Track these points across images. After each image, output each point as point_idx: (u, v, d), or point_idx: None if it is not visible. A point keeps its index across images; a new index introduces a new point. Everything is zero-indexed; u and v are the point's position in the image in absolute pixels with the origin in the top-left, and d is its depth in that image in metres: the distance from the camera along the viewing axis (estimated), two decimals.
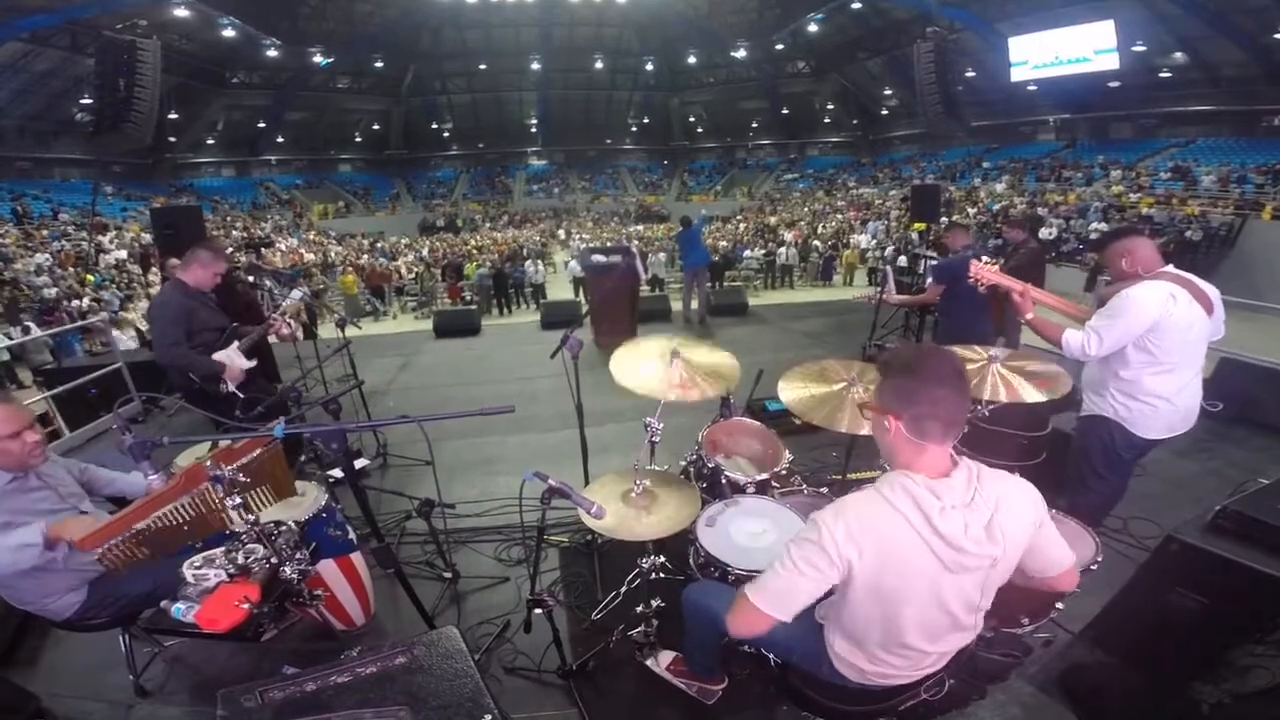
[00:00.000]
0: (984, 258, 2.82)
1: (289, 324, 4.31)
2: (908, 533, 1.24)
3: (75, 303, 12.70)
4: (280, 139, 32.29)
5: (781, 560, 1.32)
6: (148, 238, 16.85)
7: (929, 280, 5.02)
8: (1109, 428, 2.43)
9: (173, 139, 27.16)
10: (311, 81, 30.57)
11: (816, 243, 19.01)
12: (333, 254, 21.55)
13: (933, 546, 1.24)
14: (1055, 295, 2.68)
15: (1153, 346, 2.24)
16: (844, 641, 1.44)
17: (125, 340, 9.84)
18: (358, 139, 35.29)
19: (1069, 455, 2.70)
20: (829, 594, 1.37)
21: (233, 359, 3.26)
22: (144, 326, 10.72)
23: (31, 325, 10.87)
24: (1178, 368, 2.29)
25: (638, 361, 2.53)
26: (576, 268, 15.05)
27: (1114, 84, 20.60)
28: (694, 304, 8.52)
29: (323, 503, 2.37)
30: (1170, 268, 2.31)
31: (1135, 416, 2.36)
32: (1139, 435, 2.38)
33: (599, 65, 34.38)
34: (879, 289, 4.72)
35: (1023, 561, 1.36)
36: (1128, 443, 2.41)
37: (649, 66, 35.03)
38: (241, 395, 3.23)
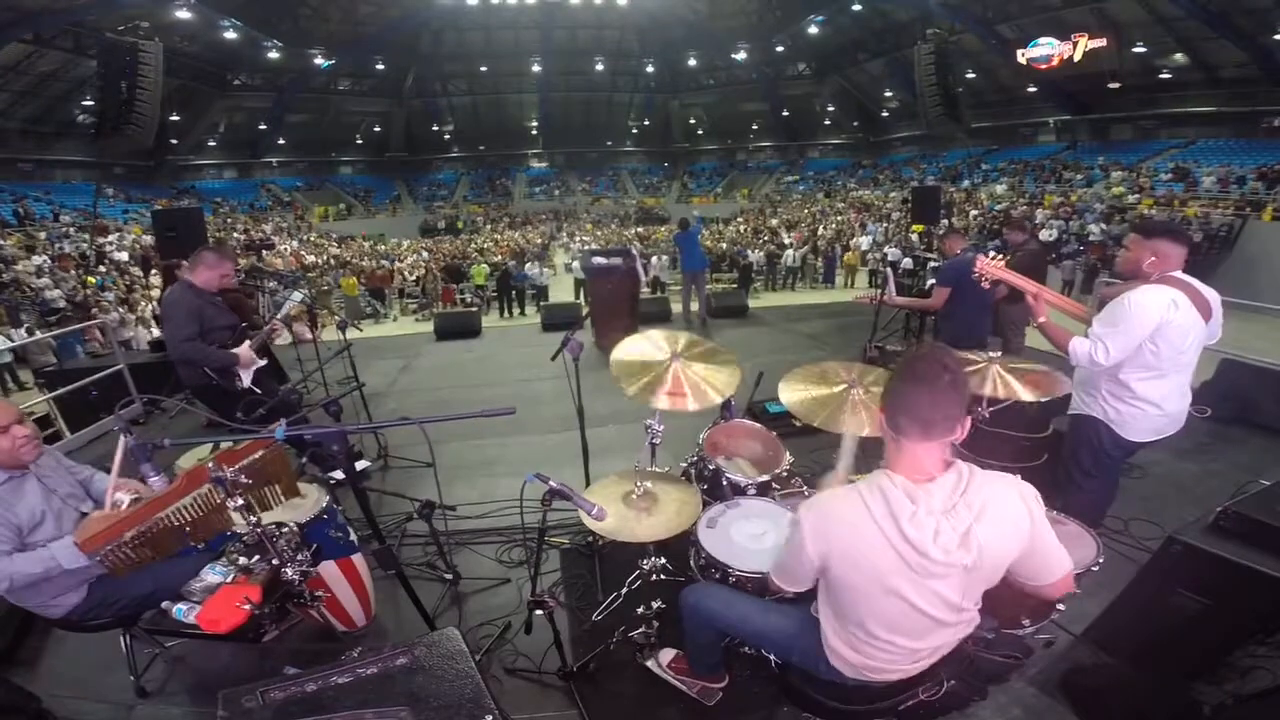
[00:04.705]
0: (991, 252, 2.82)
1: (310, 329, 4.35)
2: (872, 531, 1.28)
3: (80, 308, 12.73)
4: (281, 141, 32.35)
5: (783, 548, 1.52)
6: (149, 240, 16.88)
7: (931, 283, 5.02)
8: (1097, 428, 2.44)
9: (174, 141, 27.22)
10: (312, 83, 30.60)
11: (805, 244, 19.02)
12: (332, 257, 21.59)
13: (897, 548, 1.26)
14: (1058, 295, 2.68)
15: (1149, 352, 2.23)
16: (832, 630, 1.47)
17: (143, 340, 9.88)
18: (358, 141, 35.33)
19: (1060, 455, 2.71)
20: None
21: (248, 352, 3.32)
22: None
23: (34, 326, 10.91)
24: (1168, 374, 2.29)
25: (638, 360, 2.53)
26: (579, 270, 15.10)
27: (1114, 85, 20.63)
28: (694, 305, 8.53)
29: (324, 504, 2.37)
30: (1178, 273, 2.28)
31: (1124, 419, 2.36)
32: (1126, 437, 2.39)
33: (599, 67, 34.43)
34: (880, 290, 4.71)
35: (1015, 566, 1.34)
36: (1115, 443, 2.42)
37: (649, 69, 35.07)
38: (258, 390, 3.26)
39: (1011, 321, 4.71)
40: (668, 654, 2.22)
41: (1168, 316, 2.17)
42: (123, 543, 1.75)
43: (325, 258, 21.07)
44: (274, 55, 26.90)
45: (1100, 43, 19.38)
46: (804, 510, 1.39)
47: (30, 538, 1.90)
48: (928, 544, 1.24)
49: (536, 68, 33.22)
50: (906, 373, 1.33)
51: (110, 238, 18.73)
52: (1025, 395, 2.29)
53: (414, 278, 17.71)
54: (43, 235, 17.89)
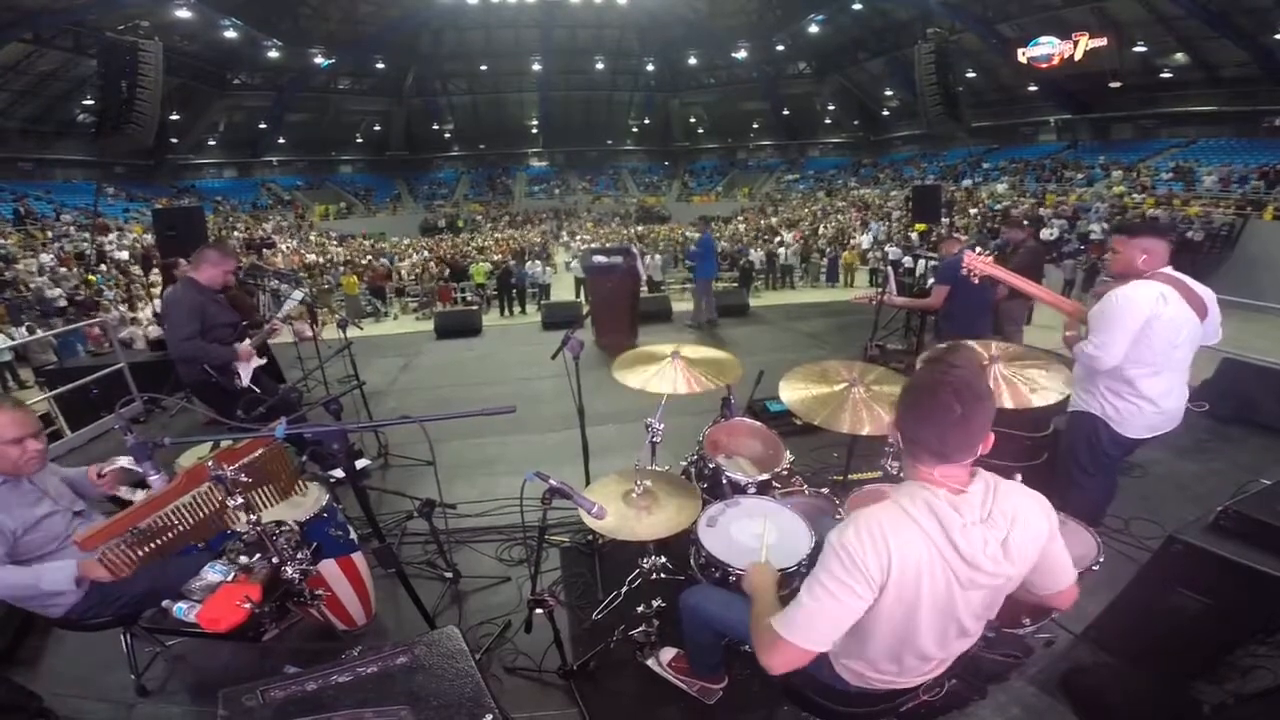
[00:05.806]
0: (978, 248, 2.82)
1: (310, 327, 4.38)
2: (926, 546, 1.21)
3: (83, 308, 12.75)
4: (281, 140, 32.34)
5: (811, 591, 1.24)
6: (150, 239, 16.88)
7: (930, 283, 5.01)
8: (1095, 425, 2.44)
9: (174, 140, 27.22)
10: (312, 82, 30.59)
11: (798, 243, 19.04)
12: (334, 255, 21.58)
13: (949, 562, 1.21)
14: (1051, 293, 2.68)
15: (1141, 346, 2.23)
16: (847, 649, 1.42)
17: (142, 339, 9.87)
18: (359, 140, 35.31)
19: (1059, 453, 2.70)
20: None
21: (248, 347, 3.36)
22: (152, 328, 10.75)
23: (34, 325, 10.91)
24: (1162, 371, 2.28)
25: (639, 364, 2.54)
26: (579, 268, 15.14)
27: (1115, 84, 20.61)
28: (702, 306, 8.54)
29: (324, 503, 2.37)
30: (1167, 269, 2.29)
31: (1122, 415, 2.36)
32: (1124, 434, 2.39)
33: (599, 66, 34.38)
34: (880, 289, 4.70)
35: (1028, 577, 1.32)
36: (1113, 440, 2.42)
37: (649, 67, 35.02)
38: (257, 389, 3.27)
39: (1010, 318, 4.71)
40: (668, 653, 2.22)
41: (1156, 310, 2.18)
42: (122, 541, 1.75)
43: (327, 257, 21.07)
44: (274, 54, 26.86)
45: (1101, 42, 19.39)
46: (853, 539, 1.20)
47: (26, 537, 1.90)
48: (979, 555, 1.20)
49: (537, 67, 33.16)
50: (912, 402, 1.25)
51: (110, 237, 18.75)
52: (1026, 394, 2.29)
53: (412, 277, 17.73)
54: (49, 235, 17.90)
